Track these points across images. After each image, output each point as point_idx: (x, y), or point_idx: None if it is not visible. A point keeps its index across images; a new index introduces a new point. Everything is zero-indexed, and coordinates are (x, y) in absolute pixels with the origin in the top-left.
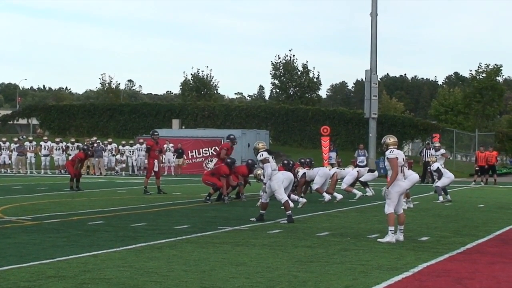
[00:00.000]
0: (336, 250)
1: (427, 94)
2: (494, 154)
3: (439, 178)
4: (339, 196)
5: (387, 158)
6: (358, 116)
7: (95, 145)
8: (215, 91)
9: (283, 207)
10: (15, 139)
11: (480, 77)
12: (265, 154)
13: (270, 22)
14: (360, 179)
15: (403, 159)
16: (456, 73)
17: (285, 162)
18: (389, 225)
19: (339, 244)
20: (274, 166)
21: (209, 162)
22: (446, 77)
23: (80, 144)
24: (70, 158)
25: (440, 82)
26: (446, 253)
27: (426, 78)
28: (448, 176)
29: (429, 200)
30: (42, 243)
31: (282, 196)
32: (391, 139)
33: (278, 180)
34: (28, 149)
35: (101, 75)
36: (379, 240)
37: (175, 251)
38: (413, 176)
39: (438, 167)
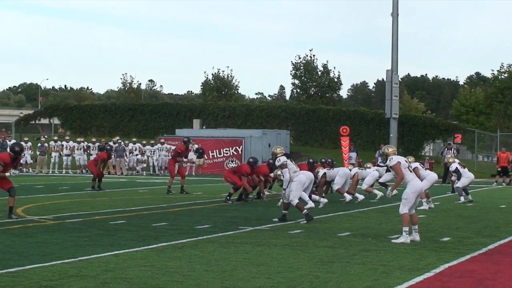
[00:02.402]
0: (357, 250)
1: (448, 94)
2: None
3: (458, 178)
4: (360, 197)
5: (390, 167)
6: (379, 116)
7: (116, 145)
8: (235, 91)
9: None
10: (42, 139)
11: (502, 77)
12: (283, 159)
13: (290, 22)
14: (380, 180)
15: (405, 161)
16: (477, 73)
17: (310, 161)
18: (404, 226)
19: (360, 245)
20: (293, 168)
21: (230, 162)
22: (468, 77)
23: (100, 144)
24: (92, 158)
25: (461, 82)
26: (468, 253)
27: (447, 78)
28: (467, 176)
29: (450, 201)
30: (64, 242)
31: (295, 199)
32: (389, 148)
33: (300, 183)
34: (53, 148)
35: (123, 75)
36: (393, 241)
37: (196, 251)
38: (431, 176)
39: (456, 168)
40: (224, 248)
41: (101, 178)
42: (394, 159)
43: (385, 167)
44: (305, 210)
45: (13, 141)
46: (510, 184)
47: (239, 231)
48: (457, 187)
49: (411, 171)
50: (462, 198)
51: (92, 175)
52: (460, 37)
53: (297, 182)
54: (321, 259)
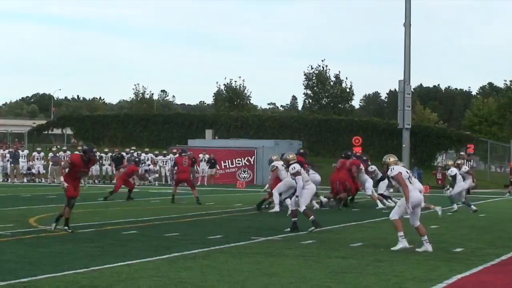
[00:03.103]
0: (369, 261)
1: (461, 104)
2: None
3: (452, 186)
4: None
5: (391, 177)
6: (391, 127)
7: (128, 155)
8: (248, 102)
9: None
10: (54, 149)
11: None
12: (297, 167)
13: (302, 32)
14: (378, 192)
15: (407, 171)
16: (490, 84)
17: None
18: (398, 231)
19: (372, 255)
20: (306, 177)
21: (242, 172)
22: (480, 87)
23: (113, 154)
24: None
25: (474, 93)
26: (481, 264)
27: (460, 89)
28: (459, 185)
29: (463, 211)
30: (76, 252)
31: (303, 206)
32: (391, 158)
33: (312, 192)
34: (62, 159)
35: (135, 85)
36: (392, 248)
37: (209, 261)
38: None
39: (456, 174)
40: (236, 259)
41: (132, 189)
42: (396, 170)
43: None
44: (312, 217)
45: (26, 151)
46: None
47: (251, 242)
48: (450, 195)
49: (411, 182)
50: (455, 206)
51: (123, 188)
52: (473, 47)
53: (309, 190)
54: (334, 269)
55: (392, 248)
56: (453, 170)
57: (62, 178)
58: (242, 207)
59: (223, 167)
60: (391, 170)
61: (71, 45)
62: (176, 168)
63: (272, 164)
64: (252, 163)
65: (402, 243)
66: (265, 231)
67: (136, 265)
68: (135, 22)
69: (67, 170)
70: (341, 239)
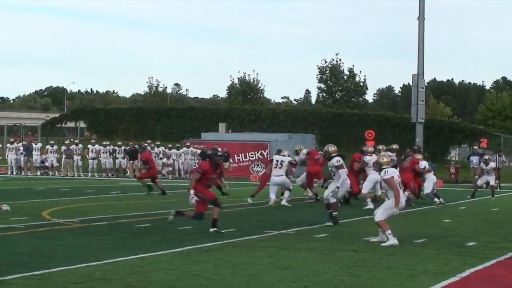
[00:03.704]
0: (382, 254)
1: (475, 99)
2: None
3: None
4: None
5: (383, 179)
6: (405, 121)
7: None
8: (261, 95)
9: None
10: (67, 142)
11: None
12: (341, 160)
13: (316, 26)
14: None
15: (398, 176)
16: (504, 78)
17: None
18: (385, 230)
19: (385, 249)
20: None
21: (256, 166)
22: (494, 81)
23: (127, 147)
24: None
25: (487, 87)
26: (494, 258)
27: (474, 83)
28: (429, 180)
29: (476, 205)
30: (89, 245)
31: (334, 198)
32: (384, 158)
33: (347, 187)
34: (74, 152)
35: (149, 78)
36: (382, 244)
37: (222, 255)
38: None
39: (425, 167)
40: (250, 252)
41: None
42: (389, 173)
43: None
44: (336, 213)
45: (40, 144)
46: None
47: (265, 235)
48: (426, 194)
49: (401, 187)
50: (436, 200)
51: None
52: (487, 41)
53: (346, 185)
54: (347, 263)
55: (382, 244)
56: (422, 164)
57: (192, 192)
58: (255, 201)
59: (236, 160)
60: (385, 173)
61: (85, 38)
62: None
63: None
64: (265, 156)
65: (392, 240)
66: (278, 224)
67: (149, 258)
68: (150, 16)
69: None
70: (354, 233)
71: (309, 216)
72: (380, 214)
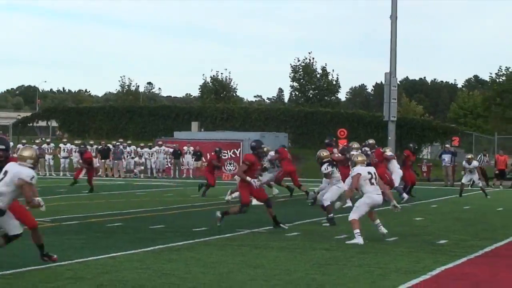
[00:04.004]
0: (354, 252)
1: (447, 97)
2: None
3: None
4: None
5: (351, 177)
6: (377, 119)
7: (114, 147)
8: (234, 94)
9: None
10: (38, 141)
11: (500, 80)
12: (330, 167)
13: (290, 25)
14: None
15: (369, 172)
16: (475, 76)
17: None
18: (354, 229)
19: (357, 247)
20: (338, 176)
21: (228, 164)
22: (466, 80)
23: (99, 146)
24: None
25: (459, 85)
26: (465, 256)
27: (446, 81)
28: (396, 173)
29: (448, 204)
30: (60, 244)
31: (328, 201)
32: (359, 157)
33: (340, 190)
34: (46, 151)
35: (121, 77)
36: (347, 242)
37: (193, 253)
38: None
39: (391, 154)
40: (221, 251)
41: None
42: (355, 171)
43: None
44: (331, 215)
45: (11, 143)
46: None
47: (237, 234)
48: (395, 187)
49: (373, 183)
50: (404, 195)
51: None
52: (459, 40)
53: (339, 188)
54: (318, 261)
55: (347, 242)
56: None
57: (248, 178)
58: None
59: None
60: (352, 170)
61: (57, 37)
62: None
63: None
64: (238, 155)
65: (358, 239)
66: (250, 223)
67: (120, 257)
68: (123, 14)
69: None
70: (326, 231)
71: (283, 215)
72: (352, 214)
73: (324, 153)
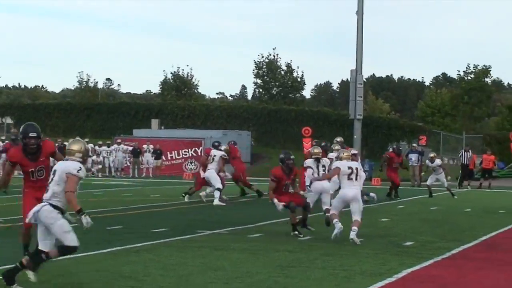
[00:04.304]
0: (318, 254)
1: (414, 95)
2: (492, 158)
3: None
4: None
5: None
6: (342, 117)
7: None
8: (195, 91)
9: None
10: None
11: (469, 78)
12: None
13: (253, 20)
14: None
15: (354, 168)
16: (443, 74)
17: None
18: (332, 219)
19: (321, 249)
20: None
21: (189, 163)
22: (434, 78)
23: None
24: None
25: (427, 83)
26: (431, 258)
27: (413, 79)
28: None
29: (415, 204)
30: (13, 246)
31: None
32: (345, 153)
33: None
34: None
35: (79, 73)
36: (332, 235)
37: (153, 255)
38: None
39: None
40: (181, 252)
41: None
42: (335, 164)
43: None
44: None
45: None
46: (479, 188)
47: (197, 235)
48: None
49: (351, 179)
50: (372, 195)
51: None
52: (427, 37)
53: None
54: (281, 263)
55: (332, 237)
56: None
57: (275, 200)
58: (188, 200)
59: (169, 158)
60: (333, 164)
61: (12, 31)
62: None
63: None
64: (199, 154)
65: (336, 226)
66: (211, 224)
67: (77, 259)
68: (80, 8)
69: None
70: (289, 233)
71: (246, 215)
72: (332, 209)
73: (315, 149)
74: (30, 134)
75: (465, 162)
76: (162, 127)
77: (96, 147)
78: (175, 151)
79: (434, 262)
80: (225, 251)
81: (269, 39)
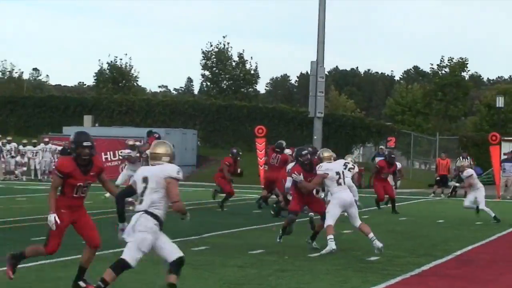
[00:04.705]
0: (271, 270)
1: (382, 90)
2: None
3: None
4: None
5: (317, 173)
6: (301, 115)
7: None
8: (135, 83)
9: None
10: None
11: (443, 72)
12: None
13: (201, 3)
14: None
15: (341, 172)
16: (415, 68)
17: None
18: (327, 234)
19: (275, 264)
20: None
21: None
22: (404, 71)
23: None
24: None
25: (397, 78)
26: (399, 275)
27: (381, 73)
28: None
29: (382, 214)
30: None
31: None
32: (325, 153)
33: None
34: None
35: (1, 62)
36: (322, 252)
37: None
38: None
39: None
40: None
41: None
42: (324, 168)
43: None
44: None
45: None
46: (453, 196)
47: None
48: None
49: (340, 184)
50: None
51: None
52: (397, 25)
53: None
54: (229, 280)
55: (322, 252)
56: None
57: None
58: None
59: (104, 159)
60: (319, 167)
61: None
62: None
63: None
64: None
65: (330, 245)
66: None
67: None
68: None
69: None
70: (240, 246)
71: (189, 225)
72: (326, 219)
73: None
74: (84, 143)
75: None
76: (96, 124)
77: (21, 147)
78: (111, 152)
79: (401, 279)
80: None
81: (219, 25)
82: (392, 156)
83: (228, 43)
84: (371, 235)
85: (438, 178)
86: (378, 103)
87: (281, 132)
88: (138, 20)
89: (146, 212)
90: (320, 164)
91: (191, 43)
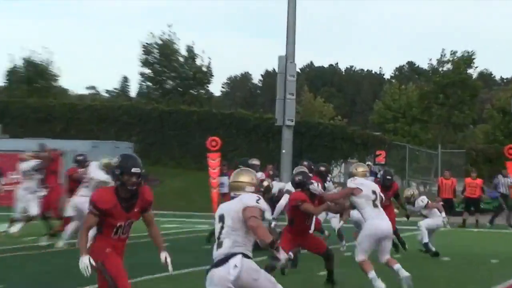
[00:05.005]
0: None
1: (369, 92)
2: (479, 182)
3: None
4: None
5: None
6: (266, 123)
7: None
8: (55, 84)
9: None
10: None
11: (445, 69)
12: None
13: None
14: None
15: (376, 192)
16: (410, 64)
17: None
18: (366, 272)
19: None
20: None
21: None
22: (396, 68)
23: None
24: None
25: (387, 76)
26: None
27: (368, 70)
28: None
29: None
30: None
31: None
32: (359, 168)
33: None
34: None
35: None
36: None
37: None
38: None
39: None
40: None
41: None
42: (358, 182)
43: None
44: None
45: None
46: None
47: None
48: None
49: (376, 206)
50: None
51: None
52: (387, 12)
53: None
54: None
55: None
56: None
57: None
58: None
59: (11, 179)
60: (353, 179)
61: None
62: None
63: None
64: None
65: (377, 284)
66: (63, 278)
67: None
68: None
69: None
70: None
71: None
72: (356, 253)
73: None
74: (133, 170)
75: (505, 191)
76: (7, 136)
77: None
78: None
79: None
80: None
81: (164, 13)
82: (388, 177)
83: (174, 33)
84: (403, 271)
85: (441, 202)
86: (364, 108)
87: (240, 145)
88: (61, 7)
89: (242, 254)
90: (355, 177)
91: (128, 35)
